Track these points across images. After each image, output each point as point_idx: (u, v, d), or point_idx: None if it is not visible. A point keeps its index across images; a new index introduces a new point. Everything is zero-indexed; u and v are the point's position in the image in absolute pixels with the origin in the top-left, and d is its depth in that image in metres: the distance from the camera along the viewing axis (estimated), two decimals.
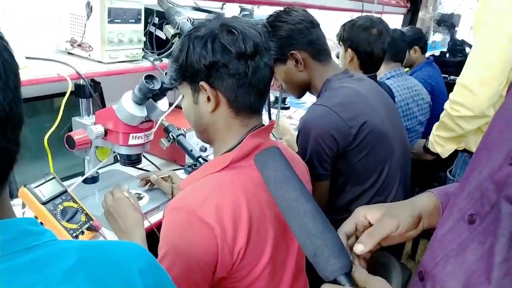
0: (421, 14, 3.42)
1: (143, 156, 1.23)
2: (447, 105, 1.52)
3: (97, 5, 1.10)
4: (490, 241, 0.47)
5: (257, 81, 0.80)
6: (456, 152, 1.70)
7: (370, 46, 1.63)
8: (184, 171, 1.43)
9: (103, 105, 1.39)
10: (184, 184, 0.86)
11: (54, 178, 0.99)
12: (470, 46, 3.61)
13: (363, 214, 0.66)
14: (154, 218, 1.11)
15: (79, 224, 0.97)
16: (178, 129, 1.35)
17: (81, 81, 1.12)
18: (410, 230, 0.64)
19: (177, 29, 1.25)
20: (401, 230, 0.62)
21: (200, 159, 1.32)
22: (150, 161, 1.45)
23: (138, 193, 1.20)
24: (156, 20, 1.33)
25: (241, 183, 0.79)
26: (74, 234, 0.95)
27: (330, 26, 2.03)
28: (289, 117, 2.12)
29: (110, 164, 1.36)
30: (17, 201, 1.00)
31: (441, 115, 1.57)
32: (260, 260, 0.79)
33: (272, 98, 1.97)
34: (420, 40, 2.59)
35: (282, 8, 1.28)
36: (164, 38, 1.32)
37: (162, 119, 1.29)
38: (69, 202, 0.98)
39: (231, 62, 0.76)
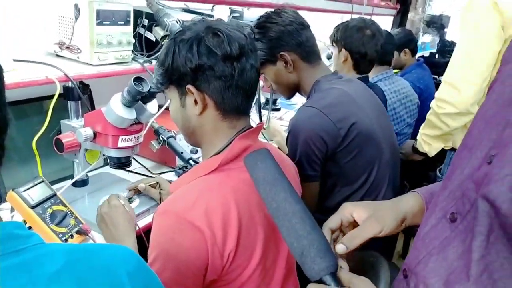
0: (410, 15, 3.46)
1: (133, 158, 1.23)
2: (433, 103, 1.55)
3: (85, 7, 1.10)
4: (470, 238, 0.48)
5: (243, 83, 0.80)
6: (445, 152, 1.73)
7: (364, 46, 1.66)
8: (175, 173, 1.43)
9: (93, 108, 1.38)
10: (173, 187, 0.86)
11: (43, 181, 0.98)
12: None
13: (350, 211, 0.68)
14: (144, 221, 1.11)
15: (68, 227, 0.96)
16: (168, 131, 1.34)
17: (70, 84, 1.11)
18: (393, 232, 0.66)
19: (167, 31, 1.25)
20: (384, 233, 0.65)
21: (190, 161, 1.32)
22: (141, 164, 1.45)
23: (129, 197, 1.19)
24: (146, 22, 1.33)
25: (230, 185, 0.79)
26: (64, 238, 0.94)
27: (320, 27, 2.04)
28: (280, 119, 2.12)
29: (99, 167, 1.35)
30: (5, 205, 0.99)
31: (428, 113, 1.60)
32: (250, 262, 0.79)
33: (262, 100, 1.98)
34: (410, 43, 2.61)
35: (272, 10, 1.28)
36: (154, 40, 1.32)
37: (152, 121, 1.29)
38: (58, 206, 0.98)
39: (217, 64, 0.77)
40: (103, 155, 1.18)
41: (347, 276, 0.54)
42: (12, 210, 0.99)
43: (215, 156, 0.83)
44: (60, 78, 1.04)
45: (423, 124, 1.67)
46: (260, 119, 1.51)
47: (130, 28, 1.22)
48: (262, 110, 1.57)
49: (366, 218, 0.66)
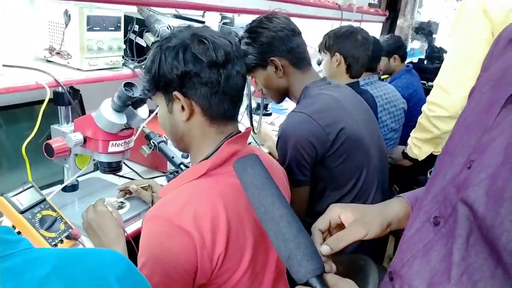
0: (399, 22, 3.50)
1: (124, 163, 1.23)
2: (424, 107, 1.59)
3: (75, 13, 1.10)
4: (451, 241, 0.50)
5: (229, 89, 0.81)
6: (434, 156, 1.75)
7: (356, 50, 1.70)
8: (166, 178, 1.43)
9: (83, 113, 1.38)
10: (163, 192, 0.86)
11: (32, 186, 0.98)
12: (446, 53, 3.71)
13: (337, 212, 0.69)
14: (135, 226, 1.11)
15: (58, 232, 0.96)
16: (159, 136, 1.35)
17: (60, 89, 1.12)
18: (378, 236, 0.68)
19: (157, 36, 1.26)
20: (368, 237, 0.67)
21: (181, 166, 1.33)
22: (131, 169, 1.45)
23: (120, 202, 1.18)
24: (136, 27, 1.33)
25: (219, 189, 0.80)
26: (53, 243, 0.94)
27: (310, 34, 2.07)
28: (271, 123, 2.13)
29: (90, 172, 1.35)
30: None
31: (419, 117, 1.63)
32: (239, 266, 0.79)
33: (254, 105, 1.99)
34: (400, 49, 2.64)
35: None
36: (145, 46, 1.33)
37: (143, 126, 1.29)
38: (47, 211, 0.98)
39: (203, 71, 0.78)
40: (94, 160, 1.18)
41: (333, 279, 0.55)
42: (0, 215, 0.98)
43: (203, 161, 0.84)
44: (50, 84, 1.05)
45: (414, 128, 1.70)
46: (251, 124, 1.52)
47: (120, 34, 1.22)
48: (253, 115, 1.59)
49: (352, 221, 0.68)
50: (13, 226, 0.93)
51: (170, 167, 1.43)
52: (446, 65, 1.51)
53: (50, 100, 1.05)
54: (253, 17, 1.32)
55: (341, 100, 1.25)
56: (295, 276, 0.55)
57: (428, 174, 1.83)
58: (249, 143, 1.01)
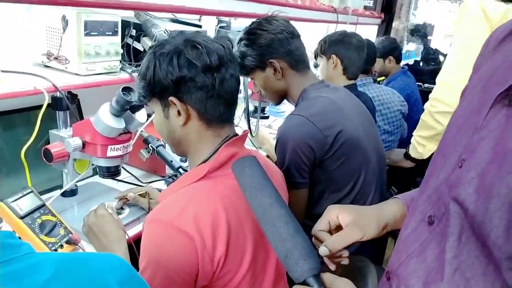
0: (395, 24, 3.52)
1: (123, 167, 1.23)
2: (427, 104, 1.62)
3: (73, 18, 1.11)
4: (444, 240, 0.51)
5: (224, 92, 0.82)
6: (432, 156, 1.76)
7: (352, 52, 1.73)
8: (165, 182, 1.43)
9: (81, 117, 1.38)
10: (162, 196, 0.87)
11: (31, 192, 0.98)
12: (443, 55, 3.75)
13: (335, 213, 0.71)
14: (134, 230, 1.11)
15: (58, 237, 0.96)
16: (157, 140, 1.35)
17: (58, 94, 1.12)
18: (374, 237, 0.70)
19: (155, 41, 1.26)
20: (366, 239, 0.69)
21: (180, 170, 1.33)
22: (130, 173, 1.45)
23: (120, 208, 1.18)
24: (134, 32, 1.34)
25: (219, 192, 0.80)
26: (53, 248, 0.94)
27: (306, 37, 2.08)
28: (268, 126, 2.14)
29: (89, 177, 1.35)
30: None
31: (422, 115, 1.66)
32: (240, 267, 0.80)
33: (251, 108, 2.00)
34: (394, 50, 2.66)
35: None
36: (142, 50, 1.33)
37: (142, 130, 1.30)
38: (47, 216, 0.97)
39: (197, 75, 0.79)
40: (92, 164, 1.18)
41: (330, 278, 0.56)
42: (0, 221, 0.98)
43: (202, 164, 0.85)
44: (48, 89, 1.05)
45: (417, 127, 1.73)
46: (249, 127, 1.53)
47: (118, 39, 1.23)
48: (250, 118, 1.59)
49: (349, 222, 0.69)
50: (13, 232, 0.93)
51: (168, 171, 1.44)
52: (448, 63, 1.55)
53: (48, 105, 1.05)
54: (249, 21, 1.33)
55: (339, 102, 1.26)
56: (292, 275, 0.56)
57: None
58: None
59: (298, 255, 0.55)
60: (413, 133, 1.77)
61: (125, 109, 1.04)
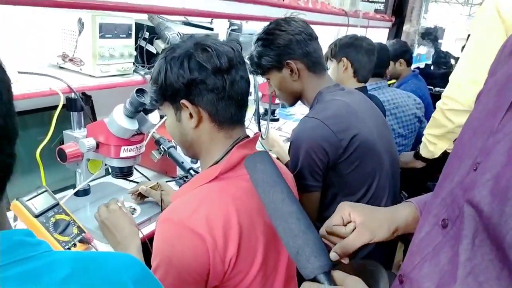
0: (405, 27, 3.51)
1: (135, 168, 1.25)
2: (439, 102, 1.63)
3: (88, 21, 1.13)
4: (458, 243, 0.50)
5: (235, 94, 0.83)
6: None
7: (362, 55, 1.74)
8: (176, 183, 1.44)
9: (94, 118, 1.40)
10: (175, 196, 0.88)
11: (46, 191, 1.00)
12: (455, 58, 3.72)
13: (348, 210, 0.72)
14: (146, 230, 1.12)
15: (71, 236, 0.97)
16: (169, 142, 1.36)
17: (73, 95, 1.14)
18: (384, 240, 0.70)
19: (167, 43, 1.28)
20: (375, 241, 0.69)
21: (191, 171, 1.34)
22: (142, 173, 1.46)
23: (130, 207, 1.20)
24: (147, 34, 1.36)
25: (230, 193, 0.81)
26: (66, 247, 0.95)
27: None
28: (278, 129, 2.14)
29: (101, 177, 1.36)
30: (8, 214, 1.00)
31: (433, 113, 1.67)
32: (251, 268, 0.80)
33: (261, 110, 2.01)
34: (405, 53, 2.66)
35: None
36: (155, 52, 1.35)
37: (153, 132, 1.31)
38: (61, 215, 0.99)
39: (208, 78, 0.80)
40: (105, 164, 1.20)
41: (341, 276, 0.56)
42: (15, 219, 1.00)
43: (214, 166, 0.86)
44: (63, 90, 1.07)
45: (427, 125, 1.73)
46: (259, 129, 1.53)
47: (131, 41, 1.25)
48: (260, 120, 1.60)
49: (359, 222, 0.70)
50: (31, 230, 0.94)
51: (179, 172, 1.45)
52: (462, 63, 1.56)
53: (62, 106, 1.07)
54: (260, 24, 1.34)
55: (354, 106, 1.25)
56: (302, 271, 0.56)
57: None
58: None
59: (309, 252, 0.55)
60: (423, 132, 1.78)
61: (138, 110, 1.05)
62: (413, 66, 2.86)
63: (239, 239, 0.77)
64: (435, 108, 1.68)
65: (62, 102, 1.06)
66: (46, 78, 1.10)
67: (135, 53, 1.28)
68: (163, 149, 1.34)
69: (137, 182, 1.39)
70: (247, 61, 1.29)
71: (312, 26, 1.30)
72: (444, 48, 4.03)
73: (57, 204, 1.00)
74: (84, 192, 1.26)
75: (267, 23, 1.30)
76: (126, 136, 1.07)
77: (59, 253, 0.47)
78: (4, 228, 0.45)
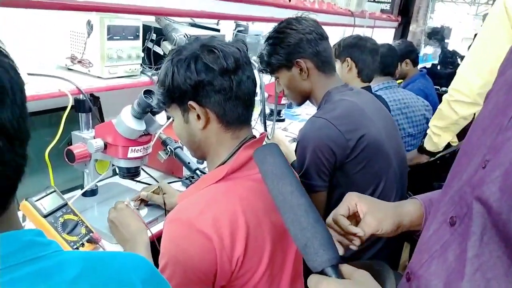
0: (412, 27, 3.49)
1: (142, 169, 1.25)
2: (445, 94, 1.69)
3: (96, 23, 1.14)
4: (466, 240, 0.51)
5: (242, 94, 0.84)
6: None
7: (366, 55, 1.75)
8: (182, 183, 1.45)
9: (102, 119, 1.41)
10: (182, 197, 0.89)
11: (54, 191, 1.01)
12: (461, 58, 3.70)
13: (355, 200, 0.73)
14: (153, 230, 1.13)
15: (79, 236, 0.99)
16: (175, 142, 1.37)
17: (81, 96, 1.15)
18: (388, 235, 0.71)
19: (175, 45, 1.29)
20: (381, 233, 0.70)
21: (197, 171, 1.35)
22: (148, 174, 1.47)
23: (137, 209, 1.21)
24: (154, 36, 1.37)
25: (237, 193, 0.81)
26: (75, 246, 0.97)
27: None
28: (284, 129, 2.15)
29: (109, 177, 1.38)
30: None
31: (439, 105, 1.73)
32: (258, 267, 0.81)
33: (267, 111, 2.01)
34: (411, 53, 2.65)
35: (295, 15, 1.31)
36: (162, 54, 1.36)
37: (160, 132, 1.32)
38: (69, 215, 1.00)
39: (215, 79, 0.80)
40: (113, 165, 1.21)
41: (348, 269, 0.56)
42: (24, 219, 1.01)
43: (221, 166, 0.86)
44: (72, 91, 1.08)
45: (433, 116, 1.78)
46: (265, 130, 1.54)
47: (139, 43, 1.26)
48: (266, 120, 1.60)
49: (366, 212, 0.71)
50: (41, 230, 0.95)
51: (186, 172, 1.46)
52: (468, 56, 1.62)
53: (71, 107, 1.08)
54: (266, 25, 1.34)
55: (362, 106, 1.25)
56: (310, 264, 0.56)
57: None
58: None
59: (318, 245, 0.55)
60: (429, 124, 1.81)
61: (146, 111, 1.06)
62: (419, 66, 2.85)
63: (246, 239, 0.78)
64: None
65: (70, 103, 1.07)
66: (55, 79, 1.11)
67: (142, 54, 1.29)
68: (169, 150, 1.35)
69: (143, 183, 1.40)
70: (257, 60, 1.29)
71: None
72: (450, 47, 4.00)
73: (66, 204, 1.01)
74: (92, 193, 1.27)
75: (273, 24, 1.31)
76: (133, 136, 1.08)
77: (68, 253, 0.47)
78: (15, 228, 0.45)
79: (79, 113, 1.19)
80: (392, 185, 1.30)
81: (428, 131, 1.82)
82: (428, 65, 3.83)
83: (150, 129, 1.13)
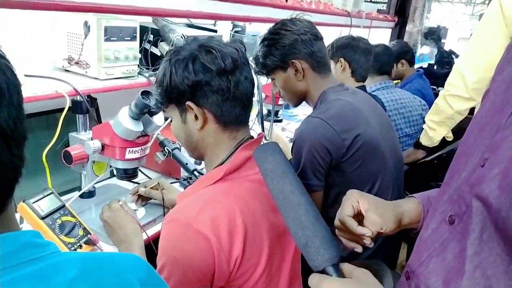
0: (408, 27, 3.51)
1: (139, 170, 1.25)
2: (442, 90, 1.73)
3: (93, 24, 1.14)
4: (465, 238, 0.51)
5: (240, 94, 0.84)
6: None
7: (359, 54, 1.76)
8: (180, 184, 1.45)
9: (99, 121, 1.41)
10: (181, 197, 0.89)
11: (52, 193, 1.01)
12: (458, 57, 3.71)
13: (356, 198, 0.72)
14: (150, 231, 1.12)
15: (77, 238, 0.98)
16: (173, 143, 1.37)
17: (78, 97, 1.15)
18: (391, 233, 0.72)
19: (172, 46, 1.29)
20: (384, 231, 0.70)
21: (195, 172, 1.35)
22: (146, 175, 1.47)
23: (134, 210, 1.21)
24: (151, 37, 1.37)
25: (235, 194, 0.82)
26: (72, 248, 0.96)
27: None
28: (282, 130, 2.15)
29: (106, 179, 1.37)
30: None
31: (436, 99, 1.76)
32: (256, 268, 0.81)
33: (265, 111, 2.01)
34: (406, 54, 2.66)
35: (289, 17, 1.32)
36: (159, 55, 1.36)
37: (158, 133, 1.32)
38: (67, 217, 1.00)
39: (213, 79, 0.81)
40: (110, 166, 1.20)
41: (349, 268, 0.56)
42: (21, 221, 1.01)
43: (219, 167, 0.86)
44: (69, 92, 1.08)
45: (429, 111, 1.82)
46: (263, 130, 1.54)
47: (136, 44, 1.26)
48: (264, 121, 1.60)
49: (368, 209, 0.71)
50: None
51: (183, 173, 1.45)
52: (464, 52, 1.66)
53: (68, 108, 1.08)
54: (264, 25, 1.34)
55: (358, 106, 1.26)
56: (311, 263, 0.56)
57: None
58: None
59: (318, 244, 0.55)
60: (425, 118, 1.84)
61: (143, 112, 1.06)
62: (416, 66, 2.85)
63: (244, 239, 0.78)
64: None
65: (68, 104, 1.07)
66: (52, 81, 1.11)
67: (139, 55, 1.29)
68: (167, 151, 1.35)
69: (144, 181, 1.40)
70: (252, 62, 1.30)
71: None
72: (447, 47, 4.01)
73: (63, 206, 1.01)
74: (89, 194, 1.26)
75: (270, 24, 1.31)
76: (131, 138, 1.08)
77: (67, 254, 0.47)
78: (14, 229, 0.45)
79: (76, 115, 1.19)
80: (388, 184, 1.30)
81: (424, 126, 1.85)
82: (425, 65, 3.84)
83: (148, 130, 1.13)
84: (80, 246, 0.98)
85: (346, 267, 0.56)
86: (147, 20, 1.42)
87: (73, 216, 1.01)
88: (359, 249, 0.71)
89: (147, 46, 1.37)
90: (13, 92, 0.41)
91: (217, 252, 0.75)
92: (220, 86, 0.81)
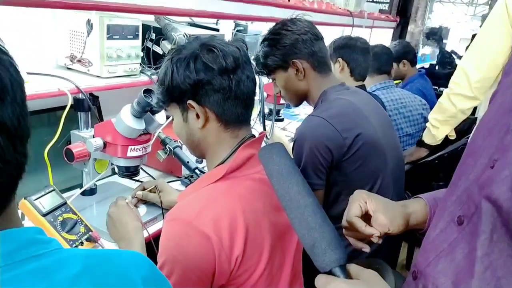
0: (410, 28, 3.51)
1: (141, 168, 1.26)
2: (446, 88, 1.73)
3: (96, 22, 1.14)
4: (475, 238, 0.51)
5: (241, 93, 0.84)
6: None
7: (357, 54, 1.77)
8: (181, 182, 1.45)
9: (101, 119, 1.41)
10: (182, 196, 0.89)
11: (54, 190, 1.01)
12: (459, 57, 3.71)
13: (364, 198, 0.72)
14: (151, 229, 1.13)
15: (78, 235, 0.99)
16: (174, 141, 1.37)
17: (80, 95, 1.15)
18: (398, 232, 0.71)
19: (174, 44, 1.29)
20: (391, 232, 0.70)
21: (196, 171, 1.35)
22: (147, 173, 1.47)
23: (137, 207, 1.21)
24: (153, 36, 1.37)
25: (236, 192, 0.82)
26: (74, 245, 0.97)
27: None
28: (283, 129, 2.15)
29: (108, 176, 1.38)
30: None
31: (439, 98, 1.77)
32: (257, 267, 0.81)
33: (266, 111, 2.02)
34: (408, 54, 2.66)
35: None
36: (161, 53, 1.36)
37: (159, 132, 1.32)
38: (68, 214, 1.00)
39: (214, 78, 0.81)
40: (112, 164, 1.21)
41: (356, 269, 0.56)
42: (23, 218, 1.01)
43: (220, 166, 0.86)
44: (71, 90, 1.08)
45: (433, 109, 1.82)
46: (264, 129, 1.54)
47: (138, 42, 1.26)
48: (265, 120, 1.60)
49: (375, 210, 0.70)
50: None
51: (185, 171, 1.46)
52: (469, 51, 1.66)
53: (70, 106, 1.08)
54: (266, 24, 1.34)
55: (358, 105, 1.26)
56: (318, 264, 0.56)
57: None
58: None
59: (325, 245, 0.55)
60: (428, 116, 1.85)
61: (145, 110, 1.06)
62: (418, 66, 2.85)
63: (245, 238, 0.78)
64: None
65: (70, 102, 1.07)
66: (55, 78, 1.11)
67: (142, 54, 1.29)
68: (168, 149, 1.35)
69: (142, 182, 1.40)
70: (253, 62, 1.30)
71: (318, 27, 1.31)
72: (448, 48, 4.01)
73: (65, 203, 1.01)
74: (91, 192, 1.27)
75: (273, 23, 1.31)
76: (133, 136, 1.08)
77: (69, 251, 0.48)
78: (16, 226, 0.46)
79: (78, 112, 1.19)
80: (389, 184, 1.30)
81: (427, 124, 1.86)
82: (426, 65, 3.84)
83: (150, 128, 1.13)
84: (82, 243, 0.98)
85: (353, 268, 0.56)
86: (150, 19, 1.42)
87: (75, 214, 1.02)
88: (367, 249, 0.71)
89: (149, 44, 1.37)
90: (17, 89, 0.41)
91: (217, 250, 0.75)
92: (221, 85, 0.81)
